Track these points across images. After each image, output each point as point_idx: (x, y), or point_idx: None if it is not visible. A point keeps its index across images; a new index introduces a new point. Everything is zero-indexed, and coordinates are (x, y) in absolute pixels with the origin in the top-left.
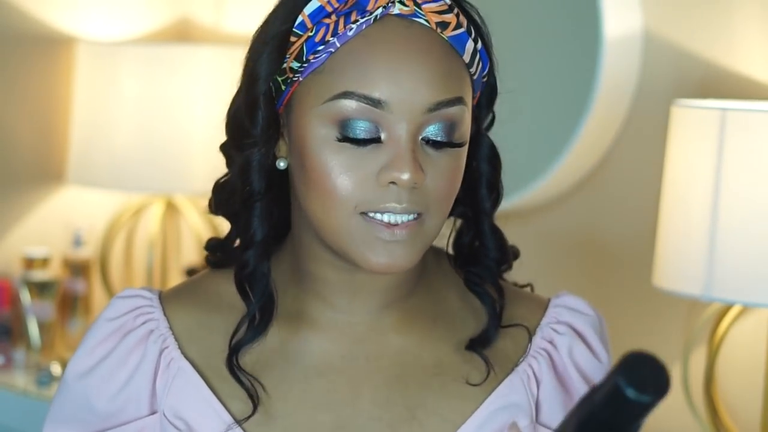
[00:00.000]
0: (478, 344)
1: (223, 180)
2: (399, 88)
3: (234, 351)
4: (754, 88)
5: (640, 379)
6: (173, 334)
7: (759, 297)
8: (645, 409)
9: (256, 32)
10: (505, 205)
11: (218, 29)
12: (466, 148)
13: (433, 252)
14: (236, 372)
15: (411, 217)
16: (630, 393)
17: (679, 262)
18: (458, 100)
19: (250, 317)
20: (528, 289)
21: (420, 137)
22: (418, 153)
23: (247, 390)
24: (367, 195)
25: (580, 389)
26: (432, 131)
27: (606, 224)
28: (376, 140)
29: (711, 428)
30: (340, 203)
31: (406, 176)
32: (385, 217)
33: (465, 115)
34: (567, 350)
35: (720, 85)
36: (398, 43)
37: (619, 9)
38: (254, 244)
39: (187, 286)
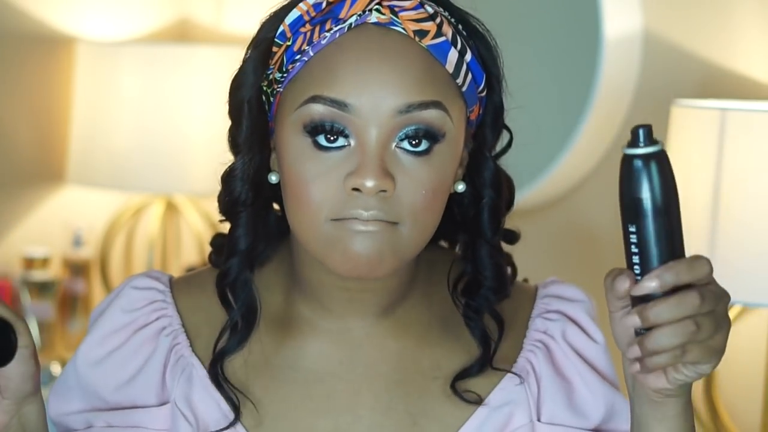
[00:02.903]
0: (459, 379)
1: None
2: (366, 91)
3: (217, 360)
4: (754, 88)
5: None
6: (185, 330)
7: (759, 297)
8: (647, 161)
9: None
10: None
11: (218, 29)
12: (450, 160)
13: (426, 263)
14: (220, 382)
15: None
16: (626, 151)
17: None
18: (434, 104)
19: (233, 325)
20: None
21: (393, 144)
22: (388, 160)
23: (230, 400)
24: (335, 202)
25: (582, 371)
26: (405, 136)
27: (606, 224)
28: (346, 146)
29: (711, 429)
30: (311, 212)
31: (369, 183)
32: (354, 225)
33: (445, 121)
34: (561, 334)
35: (720, 85)
36: (370, 48)
37: (619, 9)
38: (237, 253)
39: (197, 279)
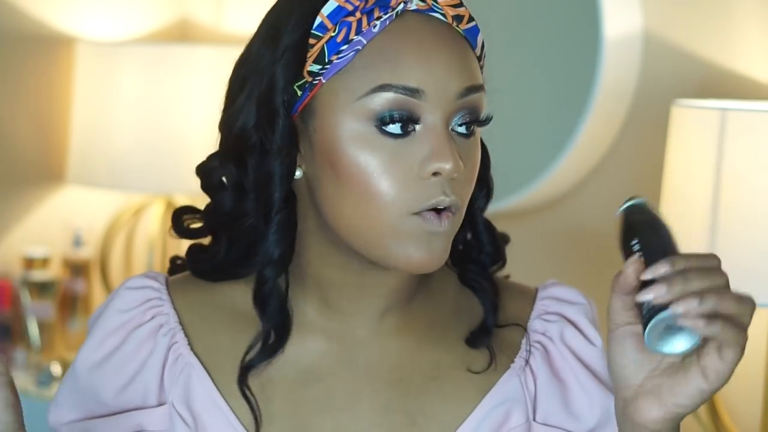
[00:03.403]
0: (479, 335)
1: (211, 205)
2: (433, 75)
3: (245, 370)
4: (754, 88)
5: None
6: (183, 329)
7: (759, 297)
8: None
9: (254, 38)
10: (506, 205)
11: (218, 29)
12: (479, 140)
13: None
14: (245, 392)
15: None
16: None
17: None
18: (481, 88)
19: (265, 336)
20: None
21: (450, 127)
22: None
23: (252, 409)
24: (413, 192)
25: (579, 374)
26: (460, 120)
27: (606, 224)
28: (412, 132)
29: (711, 429)
30: (384, 205)
31: (449, 165)
32: (431, 224)
33: (485, 104)
34: (559, 336)
35: (720, 85)
36: (423, 35)
37: (619, 9)
38: (274, 260)
39: (194, 278)
